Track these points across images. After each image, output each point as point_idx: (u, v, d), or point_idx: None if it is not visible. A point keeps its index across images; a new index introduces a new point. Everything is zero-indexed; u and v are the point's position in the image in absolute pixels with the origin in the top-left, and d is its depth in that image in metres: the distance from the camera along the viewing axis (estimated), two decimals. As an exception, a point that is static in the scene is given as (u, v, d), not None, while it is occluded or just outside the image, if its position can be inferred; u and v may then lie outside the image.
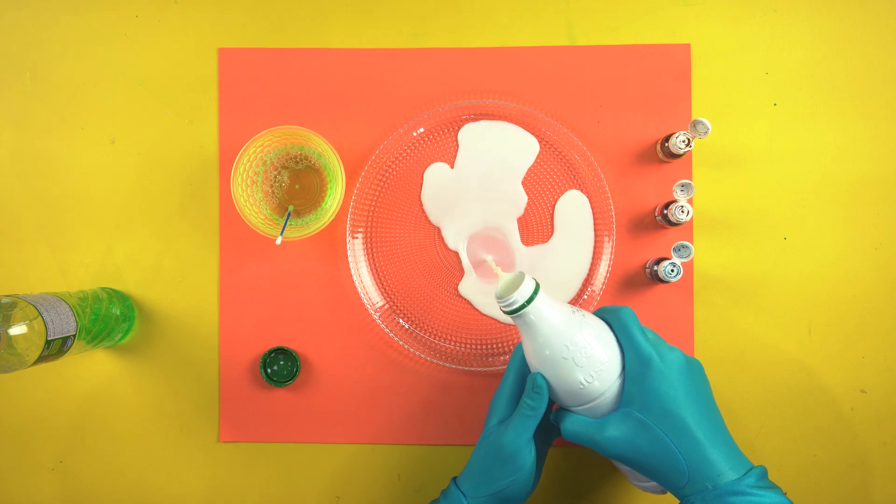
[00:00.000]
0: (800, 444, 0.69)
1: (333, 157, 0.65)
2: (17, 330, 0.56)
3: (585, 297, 0.69)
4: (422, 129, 0.70)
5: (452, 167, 0.70)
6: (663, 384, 0.54)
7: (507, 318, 0.69)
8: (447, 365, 0.69)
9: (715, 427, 0.54)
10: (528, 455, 0.56)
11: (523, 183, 0.69)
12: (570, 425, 0.56)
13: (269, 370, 0.69)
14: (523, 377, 0.59)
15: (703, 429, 0.53)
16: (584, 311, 0.57)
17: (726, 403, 0.69)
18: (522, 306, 0.54)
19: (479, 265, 0.69)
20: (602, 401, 0.55)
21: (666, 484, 0.54)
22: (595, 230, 0.69)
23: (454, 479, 0.60)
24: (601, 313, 0.58)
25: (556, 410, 0.58)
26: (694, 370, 0.56)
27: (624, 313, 0.57)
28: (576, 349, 0.54)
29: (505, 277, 0.57)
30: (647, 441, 0.53)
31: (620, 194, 0.70)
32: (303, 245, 0.70)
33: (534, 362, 0.56)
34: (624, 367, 0.55)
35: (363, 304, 0.70)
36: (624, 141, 0.70)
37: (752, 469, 0.53)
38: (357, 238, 0.70)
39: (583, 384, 0.54)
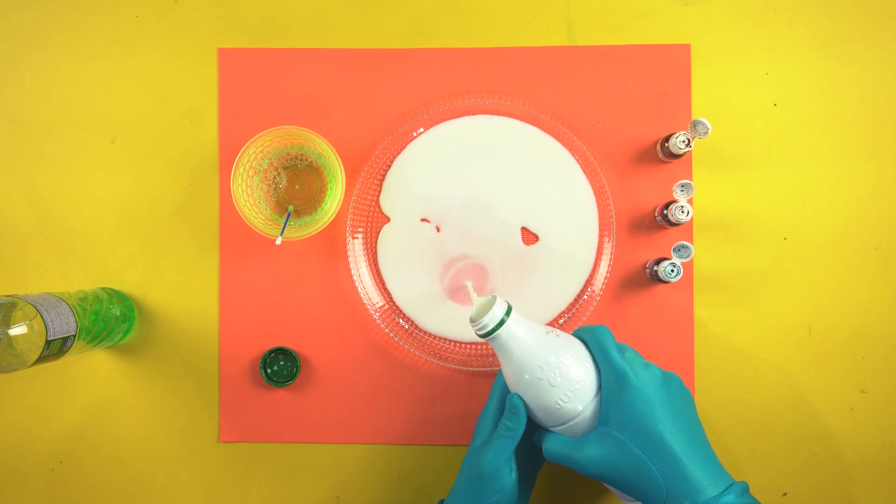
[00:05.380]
0: (800, 443, 0.69)
1: (333, 157, 0.65)
2: (17, 330, 0.56)
3: (585, 297, 0.69)
4: (422, 129, 0.70)
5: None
6: (639, 401, 0.54)
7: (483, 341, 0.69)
8: (447, 365, 0.69)
9: (694, 442, 0.54)
10: (508, 475, 0.56)
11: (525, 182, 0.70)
12: (550, 445, 0.56)
13: (269, 370, 0.69)
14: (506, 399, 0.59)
15: (680, 445, 0.53)
16: (559, 332, 0.57)
17: (726, 404, 0.69)
18: (494, 329, 0.55)
19: (457, 290, 0.69)
20: (580, 420, 0.55)
21: (646, 501, 0.54)
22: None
23: (441, 501, 0.60)
24: (578, 333, 0.59)
25: (538, 431, 0.59)
26: (671, 385, 0.56)
27: (599, 331, 0.57)
28: (550, 369, 0.54)
29: (479, 301, 0.58)
30: (624, 459, 0.53)
31: (620, 194, 0.70)
32: (303, 245, 0.70)
33: (511, 383, 0.57)
34: (601, 386, 0.56)
35: (363, 304, 0.70)
36: (624, 141, 0.70)
37: (732, 485, 0.52)
38: (357, 238, 0.70)
39: (559, 404, 0.55)
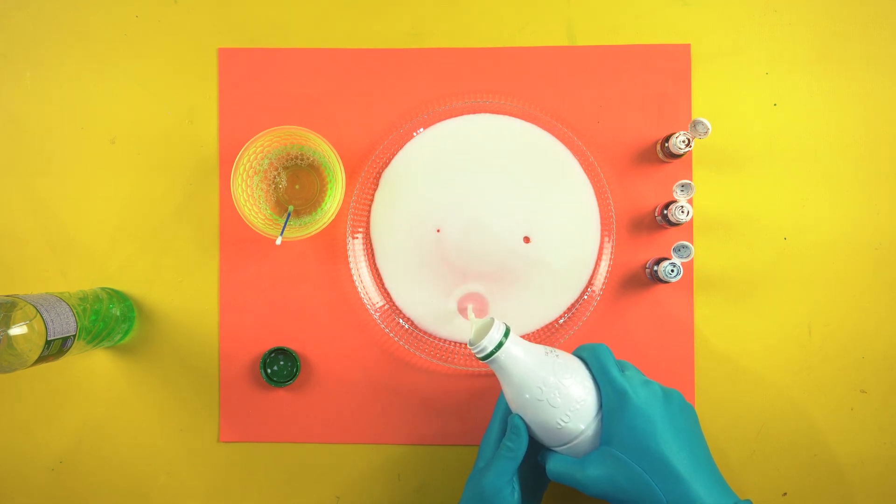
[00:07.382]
0: (800, 443, 0.69)
1: (333, 157, 0.65)
2: (17, 330, 0.56)
3: (585, 297, 0.69)
4: (422, 129, 0.70)
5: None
6: (640, 419, 0.54)
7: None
8: (447, 365, 0.69)
9: (696, 460, 0.54)
10: (510, 496, 0.56)
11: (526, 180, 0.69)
12: (553, 465, 0.56)
13: (269, 370, 0.69)
14: None
15: (682, 463, 0.53)
16: (558, 351, 0.57)
17: (726, 404, 0.69)
18: (493, 352, 0.55)
19: (463, 311, 0.69)
20: (583, 439, 0.55)
21: None
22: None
23: None
24: (578, 352, 0.59)
25: (542, 451, 0.59)
26: (672, 402, 0.56)
27: (599, 350, 0.57)
28: (549, 389, 0.55)
29: (477, 323, 0.58)
30: (626, 479, 0.53)
31: (620, 194, 0.70)
32: (303, 245, 0.70)
33: (512, 404, 0.57)
34: (602, 405, 0.56)
35: (363, 304, 0.70)
36: (624, 141, 0.70)
37: None
38: (357, 238, 0.70)
39: (560, 424, 0.55)
